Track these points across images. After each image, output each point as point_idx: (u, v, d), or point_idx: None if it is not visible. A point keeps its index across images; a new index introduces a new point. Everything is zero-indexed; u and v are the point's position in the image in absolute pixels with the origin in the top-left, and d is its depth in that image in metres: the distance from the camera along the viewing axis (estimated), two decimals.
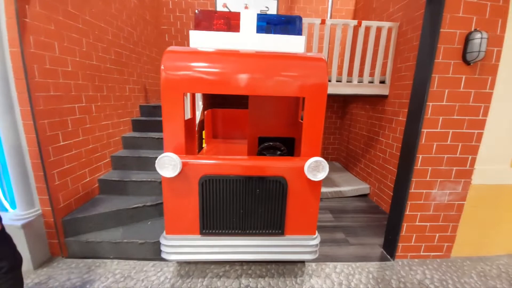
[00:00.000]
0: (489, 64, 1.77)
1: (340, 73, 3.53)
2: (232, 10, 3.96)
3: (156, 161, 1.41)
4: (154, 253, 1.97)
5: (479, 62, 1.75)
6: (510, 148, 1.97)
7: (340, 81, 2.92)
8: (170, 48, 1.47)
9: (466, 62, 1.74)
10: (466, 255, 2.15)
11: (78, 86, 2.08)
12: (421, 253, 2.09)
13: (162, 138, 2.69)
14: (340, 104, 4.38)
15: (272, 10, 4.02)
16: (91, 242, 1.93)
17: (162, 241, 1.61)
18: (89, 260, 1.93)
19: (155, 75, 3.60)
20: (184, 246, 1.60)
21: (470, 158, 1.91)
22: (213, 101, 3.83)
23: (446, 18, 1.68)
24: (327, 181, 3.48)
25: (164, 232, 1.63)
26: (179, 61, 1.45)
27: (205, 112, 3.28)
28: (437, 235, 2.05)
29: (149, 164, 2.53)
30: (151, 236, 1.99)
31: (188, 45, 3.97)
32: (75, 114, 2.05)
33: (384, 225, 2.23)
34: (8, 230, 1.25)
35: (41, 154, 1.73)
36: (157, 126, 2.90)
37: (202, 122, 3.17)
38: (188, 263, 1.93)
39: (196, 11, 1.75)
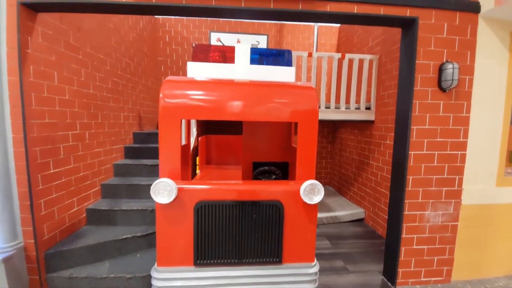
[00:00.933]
0: (463, 90, 1.94)
1: (328, 100, 3.73)
2: (226, 44, 4.24)
3: (151, 187, 1.39)
4: None
5: (454, 89, 1.91)
6: (493, 168, 2.07)
7: (329, 108, 3.07)
8: (169, 77, 1.55)
9: (442, 89, 1.90)
10: (465, 279, 2.11)
11: (74, 114, 2.10)
12: (422, 279, 2.04)
13: (155, 165, 2.67)
14: (330, 130, 4.54)
15: (262, 45, 4.33)
16: (74, 278, 1.79)
17: (153, 274, 1.51)
18: None
19: (150, 103, 3.67)
20: (177, 279, 1.50)
21: (457, 178, 1.98)
22: (207, 127, 3.89)
23: (420, 51, 1.87)
24: (322, 206, 3.46)
25: (156, 264, 1.54)
26: (177, 90, 1.51)
27: (199, 138, 3.32)
28: (436, 258, 2.03)
29: (140, 192, 2.47)
30: (140, 270, 1.87)
31: (183, 75, 4.14)
32: (68, 141, 2.03)
33: (382, 250, 2.19)
34: None
35: (29, 183, 1.67)
36: (150, 153, 2.89)
37: (196, 148, 3.19)
38: None
39: (194, 44, 1.88)
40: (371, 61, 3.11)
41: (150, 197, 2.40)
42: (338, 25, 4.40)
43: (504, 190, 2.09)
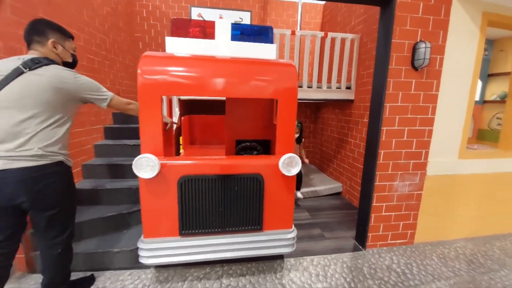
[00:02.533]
0: (433, 69, 2.05)
1: (310, 80, 3.77)
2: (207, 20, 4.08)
3: (133, 162, 1.42)
4: (130, 262, 1.91)
5: (425, 68, 2.02)
6: (456, 143, 2.26)
7: (311, 87, 3.13)
8: (147, 53, 1.52)
9: (415, 68, 2.00)
10: (427, 241, 2.38)
11: None
12: (389, 241, 2.27)
13: (137, 145, 2.65)
14: (312, 109, 4.63)
15: (246, 21, 4.20)
16: None
17: (140, 245, 1.58)
18: None
19: (128, 82, 3.54)
20: (163, 248, 1.59)
21: (424, 152, 2.16)
22: (189, 107, 3.84)
23: (396, 30, 1.93)
24: (303, 183, 3.62)
25: (142, 236, 1.61)
26: (156, 66, 1.49)
27: (182, 118, 3.29)
28: (401, 223, 2.26)
29: (123, 172, 2.47)
30: (127, 245, 1.93)
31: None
32: None
33: (356, 219, 2.39)
34: None
35: None
36: (132, 133, 2.85)
37: (179, 128, 3.17)
38: (167, 268, 1.90)
39: (173, 18, 1.82)
40: (352, 40, 3.15)
41: (133, 177, 2.42)
42: (323, 2, 4.33)
43: (465, 162, 2.31)
